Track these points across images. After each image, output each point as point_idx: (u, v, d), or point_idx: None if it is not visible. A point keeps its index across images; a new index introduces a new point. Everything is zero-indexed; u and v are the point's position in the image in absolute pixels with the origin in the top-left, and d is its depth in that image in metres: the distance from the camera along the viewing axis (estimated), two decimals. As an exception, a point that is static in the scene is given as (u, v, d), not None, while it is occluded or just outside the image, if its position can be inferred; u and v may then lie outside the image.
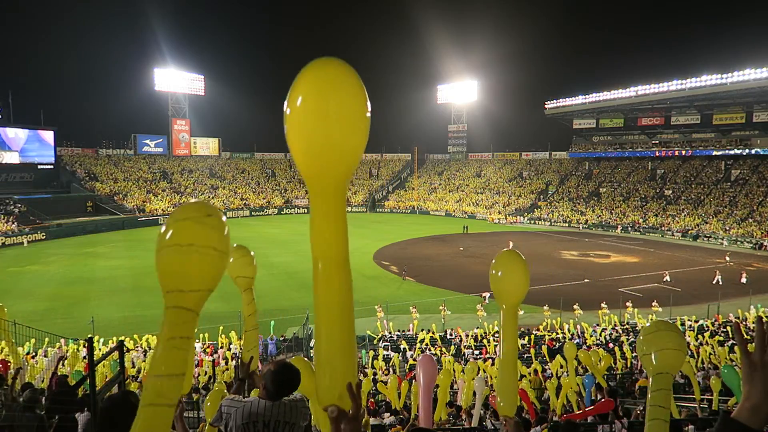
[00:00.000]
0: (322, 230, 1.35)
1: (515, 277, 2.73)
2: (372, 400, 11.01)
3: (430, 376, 4.49)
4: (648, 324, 2.28)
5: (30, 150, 59.44)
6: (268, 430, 2.43)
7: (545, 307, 23.15)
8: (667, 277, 30.05)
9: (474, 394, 7.77)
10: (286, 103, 1.29)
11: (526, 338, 19.34)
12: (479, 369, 10.51)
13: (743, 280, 28.86)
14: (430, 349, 18.32)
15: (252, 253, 3.31)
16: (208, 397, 3.52)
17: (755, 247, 43.79)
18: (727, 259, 36.52)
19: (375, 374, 14.11)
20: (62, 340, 16.44)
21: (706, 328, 20.22)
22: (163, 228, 1.36)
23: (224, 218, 1.42)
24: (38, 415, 4.60)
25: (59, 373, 8.24)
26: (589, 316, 22.81)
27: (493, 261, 2.81)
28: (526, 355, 16.88)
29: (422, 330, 20.58)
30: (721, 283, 28.40)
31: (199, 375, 14.43)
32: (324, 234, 1.35)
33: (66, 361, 11.54)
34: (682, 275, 31.84)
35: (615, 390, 8.71)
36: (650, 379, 2.11)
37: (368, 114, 1.30)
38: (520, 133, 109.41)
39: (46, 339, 16.62)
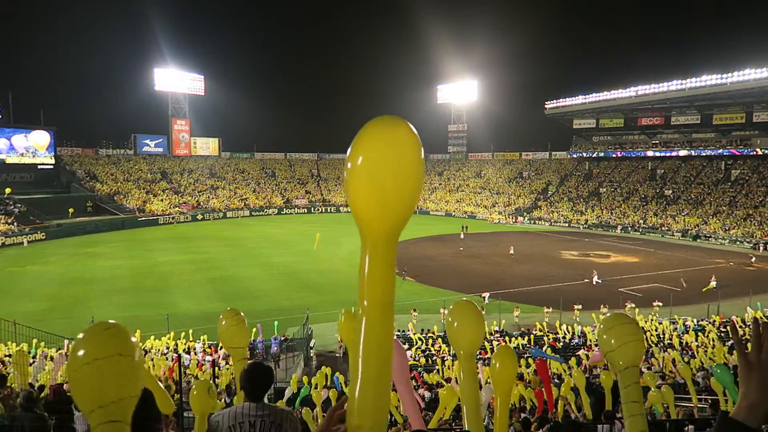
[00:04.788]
0: (373, 275, 1.42)
1: (471, 328, 2.73)
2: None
3: (399, 365, 3.90)
4: (602, 319, 2.30)
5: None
6: (254, 430, 2.52)
7: (546, 308, 23.18)
8: (713, 282, 28.16)
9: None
10: (348, 159, 1.35)
11: (526, 338, 19.36)
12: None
13: (712, 283, 28.13)
14: (430, 350, 18.34)
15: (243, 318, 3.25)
16: (193, 387, 3.50)
17: (755, 247, 43.82)
18: (753, 260, 36.58)
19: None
20: (66, 342, 16.45)
21: (707, 328, 20.22)
22: (69, 359, 1.38)
23: (125, 328, 1.45)
24: (39, 414, 4.61)
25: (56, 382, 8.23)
26: (588, 317, 22.82)
27: (449, 309, 2.85)
28: (526, 355, 16.89)
29: (420, 331, 20.61)
30: (715, 286, 28.09)
31: (198, 376, 14.43)
32: (374, 279, 1.42)
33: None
34: (681, 275, 31.85)
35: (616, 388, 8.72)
36: (619, 377, 2.15)
37: (422, 172, 1.38)
38: (520, 133, 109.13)
39: (42, 342, 16.59)
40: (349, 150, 1.36)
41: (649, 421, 5.71)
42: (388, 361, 1.46)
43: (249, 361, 2.95)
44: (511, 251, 39.15)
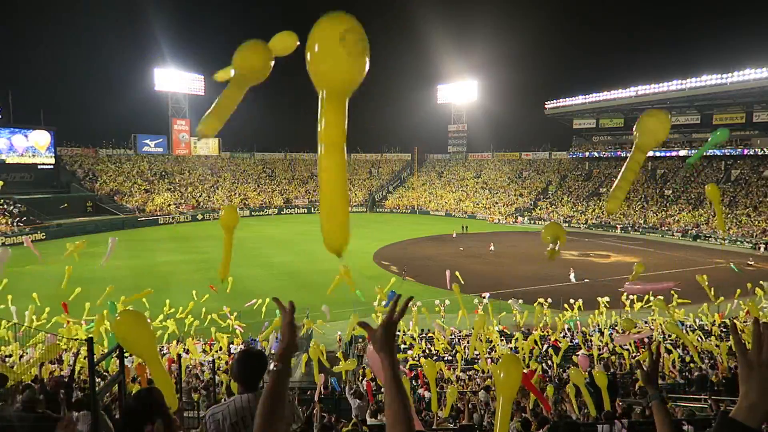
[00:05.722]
0: (330, 122, 1.76)
1: None
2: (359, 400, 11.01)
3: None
4: (646, 111, 3.31)
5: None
6: None
7: (545, 307, 23.15)
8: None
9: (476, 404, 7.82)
10: (313, 44, 1.70)
11: (528, 338, 19.33)
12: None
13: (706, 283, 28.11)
14: (430, 350, 18.33)
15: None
16: (222, 207, 5.16)
17: (755, 247, 43.83)
18: (751, 261, 36.50)
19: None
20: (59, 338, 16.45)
21: (707, 328, 20.23)
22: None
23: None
24: (39, 414, 4.59)
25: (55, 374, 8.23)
26: (587, 317, 22.81)
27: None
28: (526, 356, 16.87)
29: (420, 331, 20.58)
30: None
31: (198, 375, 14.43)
32: (331, 125, 1.76)
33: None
34: (681, 275, 31.82)
35: (616, 386, 8.73)
36: (634, 148, 2.97)
37: (365, 43, 1.78)
38: (520, 133, 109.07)
39: (44, 336, 16.57)
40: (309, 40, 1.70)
41: (651, 421, 5.72)
42: (345, 188, 1.81)
43: (238, 349, 2.95)
44: (491, 248, 39.27)
